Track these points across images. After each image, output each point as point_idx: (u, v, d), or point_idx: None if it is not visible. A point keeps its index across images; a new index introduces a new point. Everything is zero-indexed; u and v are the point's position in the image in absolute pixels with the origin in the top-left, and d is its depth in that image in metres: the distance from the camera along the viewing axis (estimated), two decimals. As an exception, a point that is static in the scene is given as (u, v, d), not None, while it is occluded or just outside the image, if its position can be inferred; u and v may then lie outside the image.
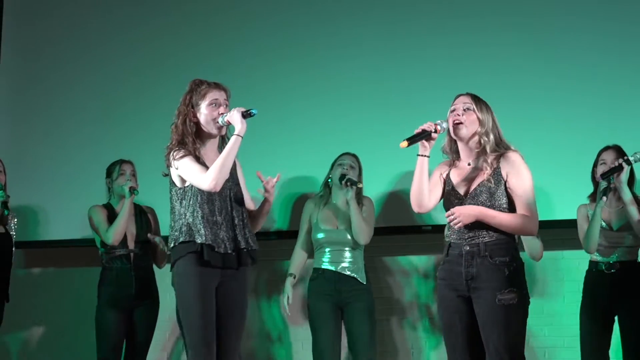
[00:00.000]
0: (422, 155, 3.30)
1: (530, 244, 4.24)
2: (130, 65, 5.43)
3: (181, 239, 3.50)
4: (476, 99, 3.38)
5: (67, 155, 5.42)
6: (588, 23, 4.72)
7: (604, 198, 3.99)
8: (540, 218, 4.52)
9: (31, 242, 5.34)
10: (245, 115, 3.47)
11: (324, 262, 4.44)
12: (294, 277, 4.57)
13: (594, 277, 4.19)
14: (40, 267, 5.57)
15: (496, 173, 3.28)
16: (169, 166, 3.58)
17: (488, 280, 3.20)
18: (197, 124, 3.58)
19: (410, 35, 4.97)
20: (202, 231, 3.47)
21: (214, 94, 3.57)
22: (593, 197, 4.23)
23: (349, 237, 4.42)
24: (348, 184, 4.34)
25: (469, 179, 3.34)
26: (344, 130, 4.95)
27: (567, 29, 4.74)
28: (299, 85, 5.09)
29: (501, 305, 3.18)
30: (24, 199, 5.14)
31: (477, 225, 3.25)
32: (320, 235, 4.47)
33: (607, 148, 4.22)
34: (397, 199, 4.84)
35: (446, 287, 3.32)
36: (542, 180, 4.57)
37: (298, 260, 4.60)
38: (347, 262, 4.41)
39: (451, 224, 3.25)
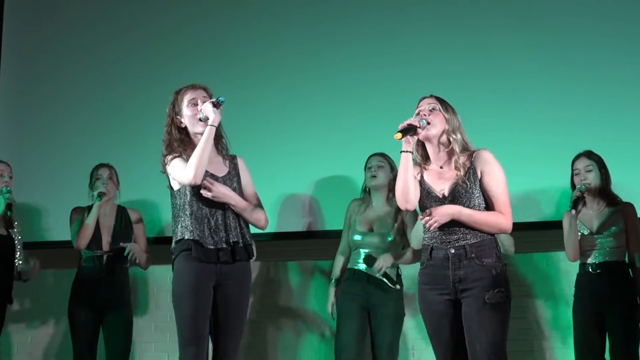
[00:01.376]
0: (406, 152, 3.30)
1: (502, 237, 4.26)
2: (131, 67, 5.43)
3: (176, 239, 3.59)
4: (440, 100, 3.40)
5: (66, 157, 5.42)
6: (580, 23, 4.72)
7: (573, 211, 4.04)
8: (544, 219, 4.58)
9: (31, 243, 5.33)
10: (215, 104, 3.56)
11: (358, 262, 4.43)
12: (337, 283, 4.53)
13: (582, 279, 4.22)
14: (40, 268, 5.55)
15: (470, 172, 3.29)
16: (167, 175, 3.67)
17: (476, 280, 3.21)
18: (185, 128, 3.68)
19: (408, 36, 4.97)
20: (190, 227, 3.53)
21: (190, 95, 3.68)
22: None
23: (383, 241, 4.40)
24: None
25: (444, 181, 3.34)
26: (339, 130, 4.95)
27: (562, 30, 4.74)
28: (295, 86, 5.08)
29: (490, 305, 3.18)
30: (24, 200, 5.14)
31: (459, 226, 3.25)
32: (357, 238, 4.46)
33: (578, 156, 4.27)
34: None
35: (431, 292, 3.31)
36: (540, 181, 4.59)
37: (340, 264, 4.57)
38: None
39: (427, 225, 3.23)
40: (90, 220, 4.61)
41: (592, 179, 4.18)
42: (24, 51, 5.71)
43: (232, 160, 3.75)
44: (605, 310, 4.12)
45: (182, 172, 3.53)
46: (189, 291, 3.48)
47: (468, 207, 3.25)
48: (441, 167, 3.36)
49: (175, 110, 3.69)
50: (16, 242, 4.64)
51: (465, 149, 3.34)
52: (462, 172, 3.28)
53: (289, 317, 5.02)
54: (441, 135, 3.34)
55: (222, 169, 3.68)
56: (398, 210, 4.32)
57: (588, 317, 4.15)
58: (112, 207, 4.76)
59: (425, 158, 3.42)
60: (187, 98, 3.68)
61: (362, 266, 4.39)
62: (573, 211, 4.03)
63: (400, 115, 4.78)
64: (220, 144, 3.74)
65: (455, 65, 4.81)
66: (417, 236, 4.16)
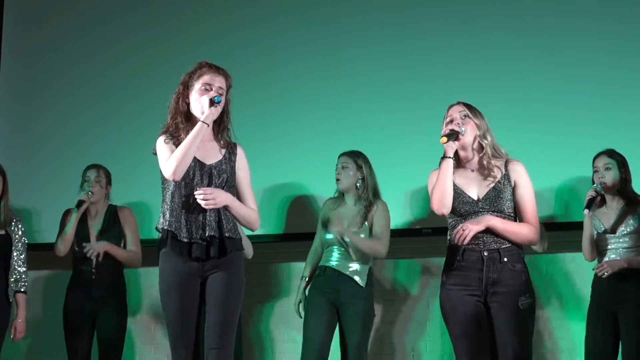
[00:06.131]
0: (448, 157, 3.38)
1: None
2: (130, 69, 5.45)
3: (159, 231, 3.42)
4: (469, 106, 3.47)
5: (64, 160, 5.44)
6: (586, 24, 4.72)
7: (586, 210, 4.04)
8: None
9: (27, 245, 5.31)
10: (211, 103, 3.36)
11: (329, 260, 4.46)
12: (307, 280, 4.56)
13: (598, 279, 4.19)
14: (38, 270, 5.53)
15: (506, 179, 3.38)
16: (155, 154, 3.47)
17: (509, 285, 3.31)
18: (189, 105, 3.45)
19: (417, 38, 4.98)
20: (167, 217, 3.36)
21: (209, 78, 3.42)
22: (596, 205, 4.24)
23: None
24: None
25: (478, 183, 3.41)
26: (347, 133, 4.95)
27: (565, 31, 4.75)
28: (302, 87, 5.10)
29: (523, 310, 3.30)
30: (21, 202, 5.12)
31: (492, 232, 3.33)
32: (329, 237, 4.49)
33: (599, 154, 4.26)
34: (399, 202, 4.86)
35: (460, 292, 3.36)
36: (538, 182, 4.60)
37: (312, 262, 4.60)
38: (350, 263, 4.42)
39: (460, 240, 3.29)
40: (69, 229, 4.65)
41: (610, 177, 4.16)
42: (23, 54, 5.72)
43: (231, 148, 3.49)
44: (618, 310, 4.10)
45: (163, 163, 3.34)
46: (170, 290, 3.35)
47: (500, 211, 3.35)
48: (472, 171, 3.45)
49: (188, 83, 3.44)
50: (16, 238, 4.56)
51: (496, 153, 3.44)
52: (498, 177, 3.37)
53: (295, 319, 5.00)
54: (474, 141, 3.42)
55: (214, 156, 3.45)
56: (368, 208, 4.40)
57: (602, 318, 4.13)
58: (102, 207, 4.78)
59: (457, 162, 3.48)
60: (203, 80, 3.40)
61: (334, 264, 4.42)
62: (586, 210, 4.04)
63: (405, 117, 4.85)
64: (221, 129, 3.48)
65: (461, 67, 4.83)
66: None
